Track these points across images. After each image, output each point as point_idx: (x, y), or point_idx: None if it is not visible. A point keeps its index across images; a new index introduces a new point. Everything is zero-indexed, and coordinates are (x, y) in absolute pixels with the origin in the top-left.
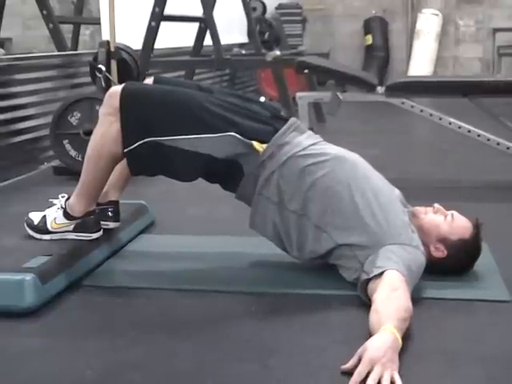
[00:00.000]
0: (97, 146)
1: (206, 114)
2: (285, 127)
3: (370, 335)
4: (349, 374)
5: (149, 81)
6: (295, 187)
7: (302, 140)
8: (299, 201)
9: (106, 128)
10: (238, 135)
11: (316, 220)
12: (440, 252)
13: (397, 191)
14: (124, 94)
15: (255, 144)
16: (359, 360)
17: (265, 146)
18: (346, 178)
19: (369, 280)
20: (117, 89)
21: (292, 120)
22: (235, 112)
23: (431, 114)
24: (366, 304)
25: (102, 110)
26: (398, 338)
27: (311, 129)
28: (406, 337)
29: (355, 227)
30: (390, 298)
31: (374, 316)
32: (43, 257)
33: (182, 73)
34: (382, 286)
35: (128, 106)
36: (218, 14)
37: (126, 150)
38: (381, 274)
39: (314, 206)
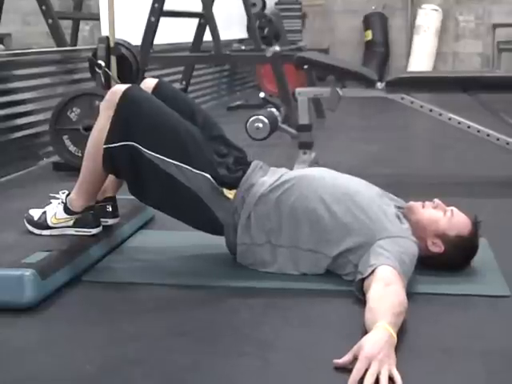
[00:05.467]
0: (96, 140)
1: (193, 148)
2: (249, 171)
3: (366, 333)
4: (346, 368)
5: (152, 82)
6: (275, 222)
7: (267, 179)
8: (285, 233)
9: (104, 123)
10: (211, 179)
11: (306, 245)
12: (437, 247)
13: (376, 188)
14: (126, 94)
15: (225, 191)
16: (354, 357)
17: (233, 191)
18: (317, 194)
19: (364, 279)
20: (121, 87)
21: (254, 162)
22: (214, 157)
23: (431, 110)
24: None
25: (103, 105)
26: (393, 333)
27: (311, 125)
28: (405, 332)
29: (342, 235)
30: (384, 295)
31: (368, 314)
32: (43, 252)
33: (181, 68)
34: (375, 282)
35: (125, 107)
36: (217, 10)
37: (104, 146)
38: (374, 271)
39: (300, 233)
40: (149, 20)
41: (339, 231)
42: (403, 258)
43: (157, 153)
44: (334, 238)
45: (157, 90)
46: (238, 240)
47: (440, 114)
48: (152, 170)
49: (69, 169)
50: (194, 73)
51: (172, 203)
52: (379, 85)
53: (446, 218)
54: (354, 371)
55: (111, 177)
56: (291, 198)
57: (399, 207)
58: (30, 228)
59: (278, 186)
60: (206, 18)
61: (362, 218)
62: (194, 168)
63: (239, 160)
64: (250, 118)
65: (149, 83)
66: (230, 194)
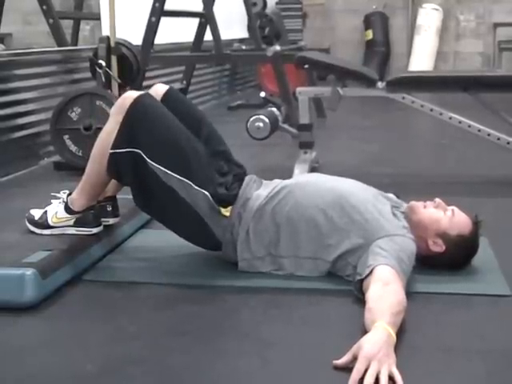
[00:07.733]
0: (103, 143)
1: (196, 164)
2: (243, 186)
3: (366, 333)
4: (346, 368)
5: (162, 89)
6: (273, 233)
7: (261, 192)
8: (283, 243)
9: (113, 127)
10: (210, 197)
11: (305, 253)
12: (438, 247)
13: (372, 189)
14: (136, 102)
15: (222, 210)
16: (353, 357)
17: (229, 208)
18: (312, 200)
19: (362, 280)
20: (133, 93)
21: (248, 177)
22: (215, 175)
23: (432, 109)
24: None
25: (113, 110)
26: (392, 333)
27: (311, 124)
28: (405, 332)
29: (340, 238)
30: (383, 294)
31: (367, 314)
32: (43, 252)
33: (182, 68)
34: (374, 282)
35: (134, 114)
36: (218, 9)
37: (111, 151)
38: (372, 271)
39: (298, 241)
40: (149, 20)
41: (337, 235)
42: (401, 256)
43: (160, 164)
44: (333, 243)
45: (166, 97)
46: (239, 257)
47: (441, 114)
48: (154, 181)
49: (70, 168)
50: (195, 72)
51: (171, 217)
52: (380, 84)
53: (447, 217)
54: (354, 371)
55: None
56: (286, 208)
57: (397, 207)
58: (31, 227)
59: (273, 196)
60: (206, 18)
61: (358, 219)
62: (195, 184)
63: (237, 177)
64: (251, 117)
65: (159, 90)
66: (226, 212)
